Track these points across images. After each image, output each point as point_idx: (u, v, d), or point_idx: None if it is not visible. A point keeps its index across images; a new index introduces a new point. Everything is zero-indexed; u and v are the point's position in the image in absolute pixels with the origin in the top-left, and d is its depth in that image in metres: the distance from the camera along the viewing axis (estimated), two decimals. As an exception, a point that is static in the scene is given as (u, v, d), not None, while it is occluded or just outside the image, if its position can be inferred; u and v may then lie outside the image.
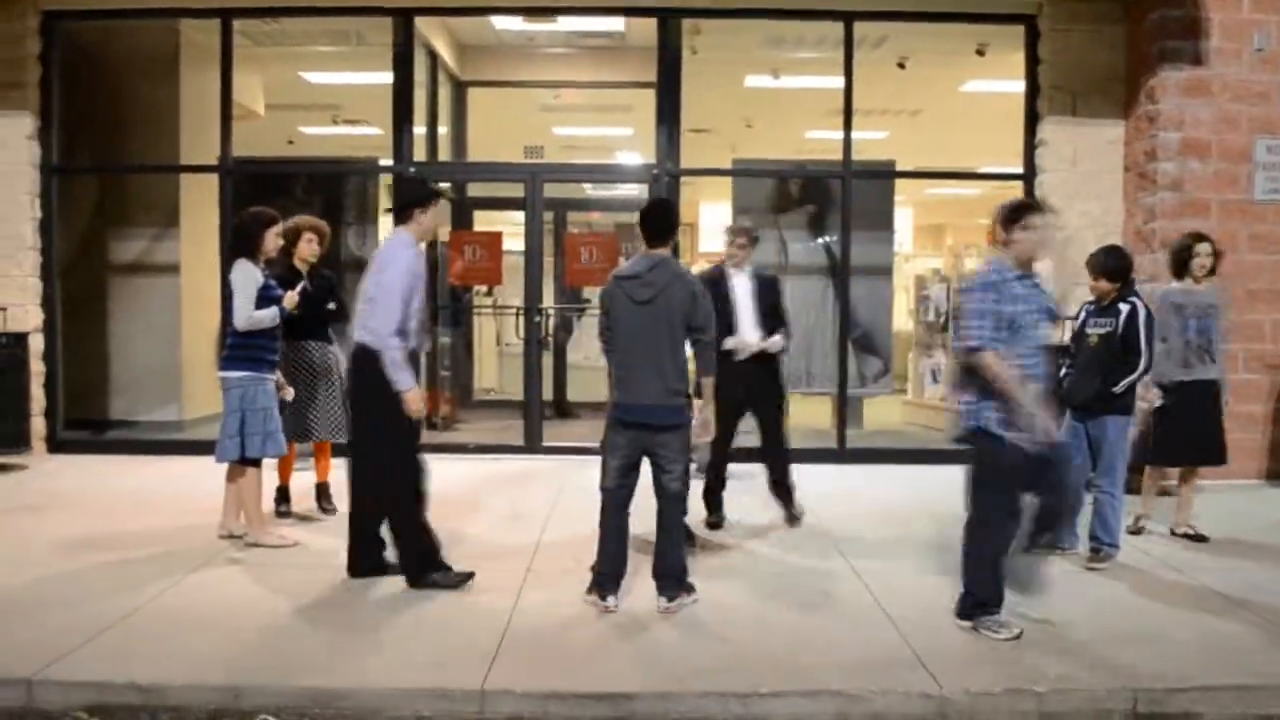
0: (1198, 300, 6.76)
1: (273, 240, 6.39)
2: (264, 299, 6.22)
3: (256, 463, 6.32)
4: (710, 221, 18.13)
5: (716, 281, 6.71)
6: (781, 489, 7.08)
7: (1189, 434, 6.75)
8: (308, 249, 6.96)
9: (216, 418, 9.18)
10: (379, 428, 5.55)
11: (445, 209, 6.23)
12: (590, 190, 15.36)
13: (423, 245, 5.88)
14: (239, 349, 6.26)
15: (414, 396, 5.48)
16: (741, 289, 6.89)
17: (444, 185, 11.64)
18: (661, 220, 5.49)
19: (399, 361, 5.42)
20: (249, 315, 6.15)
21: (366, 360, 5.49)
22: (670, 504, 5.37)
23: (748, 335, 6.79)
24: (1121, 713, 4.41)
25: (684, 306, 5.28)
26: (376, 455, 5.62)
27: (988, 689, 4.43)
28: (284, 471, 7.09)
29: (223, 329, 8.85)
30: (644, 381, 5.27)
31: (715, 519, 7.03)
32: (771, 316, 6.93)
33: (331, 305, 7.01)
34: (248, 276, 6.20)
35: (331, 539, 6.40)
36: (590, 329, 12.79)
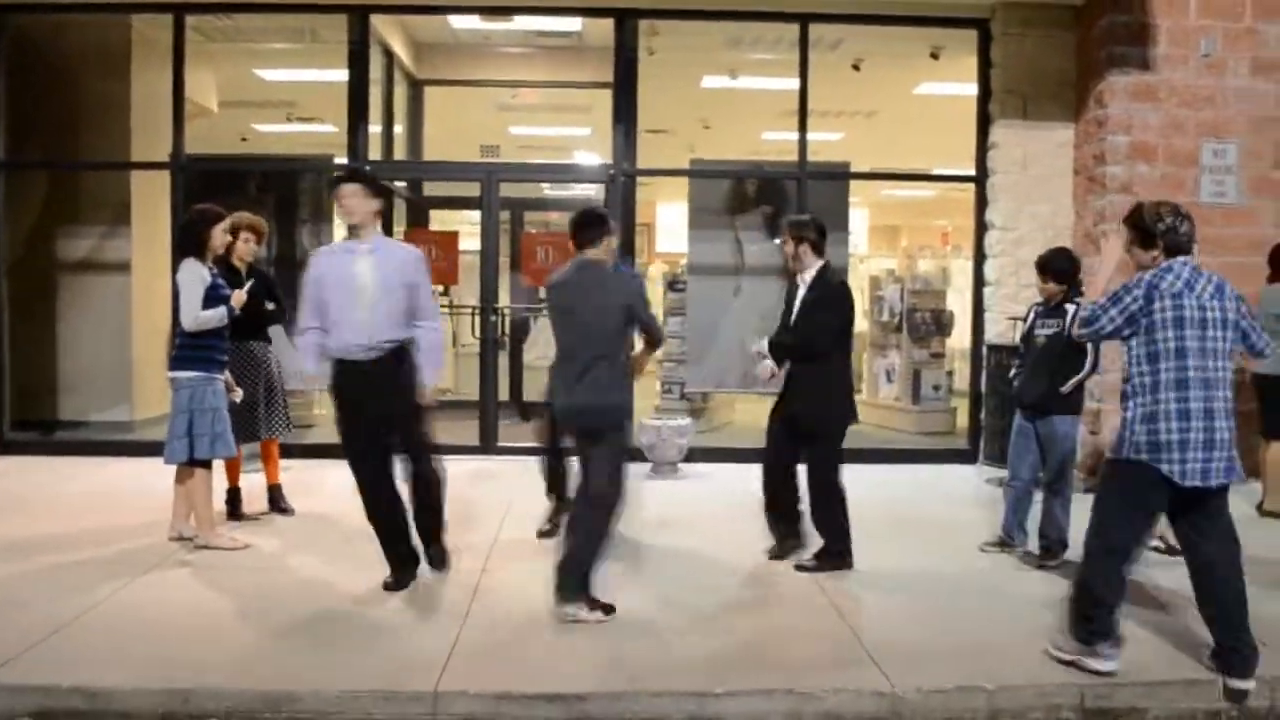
0: None
1: (220, 238, 6.33)
2: (212, 298, 6.15)
3: (206, 464, 6.27)
4: (667, 222, 18.20)
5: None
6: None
7: None
8: (245, 248, 6.91)
9: (167, 418, 9.18)
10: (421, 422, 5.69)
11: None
12: (547, 190, 15.34)
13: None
14: (188, 349, 6.19)
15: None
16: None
17: (400, 184, 11.60)
18: (585, 225, 5.40)
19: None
20: (196, 315, 6.08)
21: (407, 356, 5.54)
22: (590, 507, 5.23)
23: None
24: (1070, 707, 4.47)
25: (615, 310, 5.23)
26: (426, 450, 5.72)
27: (939, 686, 4.48)
28: (232, 474, 7.02)
29: (173, 329, 8.79)
30: (569, 386, 5.24)
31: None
32: None
33: (270, 305, 6.94)
34: (195, 275, 6.13)
35: (280, 541, 6.37)
36: (547, 329, 12.81)
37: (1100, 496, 4.71)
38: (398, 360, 5.49)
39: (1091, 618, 4.57)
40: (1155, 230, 4.60)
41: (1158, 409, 4.43)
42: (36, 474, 8.48)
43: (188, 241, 6.29)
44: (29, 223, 10.14)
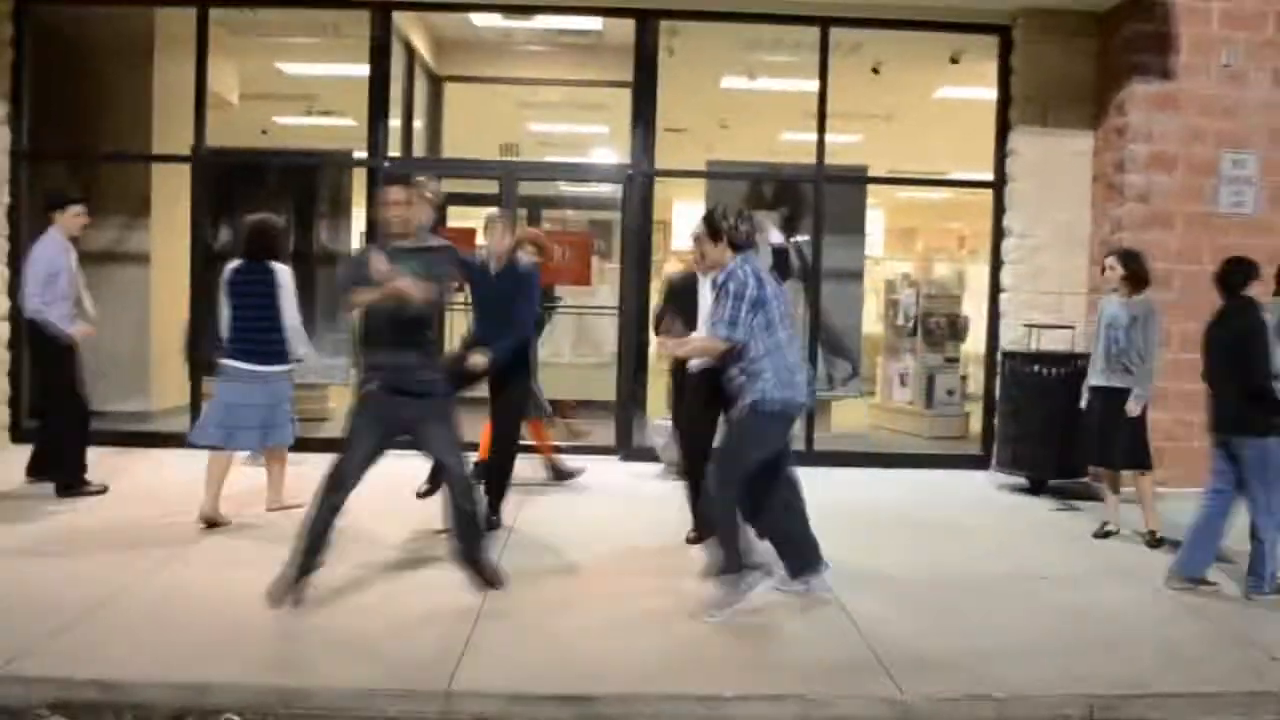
0: (1111, 313, 7.10)
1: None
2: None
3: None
4: (684, 220, 18.18)
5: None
6: None
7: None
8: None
9: (186, 409, 9.25)
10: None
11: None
12: (564, 188, 15.35)
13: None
14: (280, 344, 6.81)
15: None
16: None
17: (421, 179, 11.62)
18: None
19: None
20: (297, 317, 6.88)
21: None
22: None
23: None
24: (1079, 718, 4.48)
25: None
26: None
27: (948, 695, 4.50)
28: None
29: (195, 320, 8.86)
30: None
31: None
32: None
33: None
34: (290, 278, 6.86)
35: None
36: (562, 326, 12.85)
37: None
38: None
39: None
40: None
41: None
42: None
43: (276, 245, 6.98)
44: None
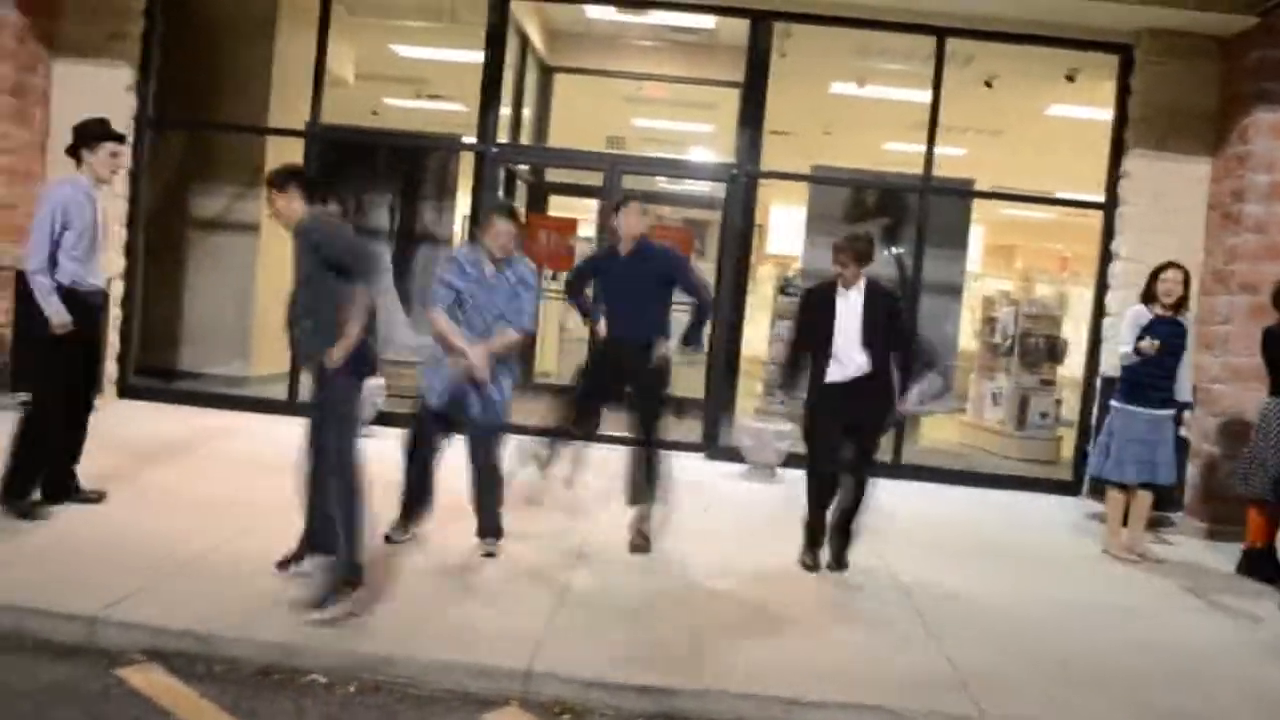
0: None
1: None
2: None
3: None
4: (779, 224, 18.15)
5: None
6: None
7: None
8: None
9: (283, 376, 9.47)
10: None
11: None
12: (664, 184, 15.41)
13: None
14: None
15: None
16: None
17: (522, 168, 11.76)
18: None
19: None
20: None
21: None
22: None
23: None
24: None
25: None
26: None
27: (1027, 716, 4.44)
28: None
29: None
30: None
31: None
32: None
33: None
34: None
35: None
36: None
37: None
38: None
39: None
40: None
41: None
42: (158, 419, 8.79)
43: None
44: (167, 179, 10.52)
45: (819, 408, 6.19)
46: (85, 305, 5.93)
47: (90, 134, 5.98)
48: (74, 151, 5.97)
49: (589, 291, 6.81)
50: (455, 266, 5.89)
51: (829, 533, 6.28)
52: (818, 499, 6.24)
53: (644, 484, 6.41)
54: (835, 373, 6.11)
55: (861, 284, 6.13)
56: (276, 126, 10.25)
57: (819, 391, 6.18)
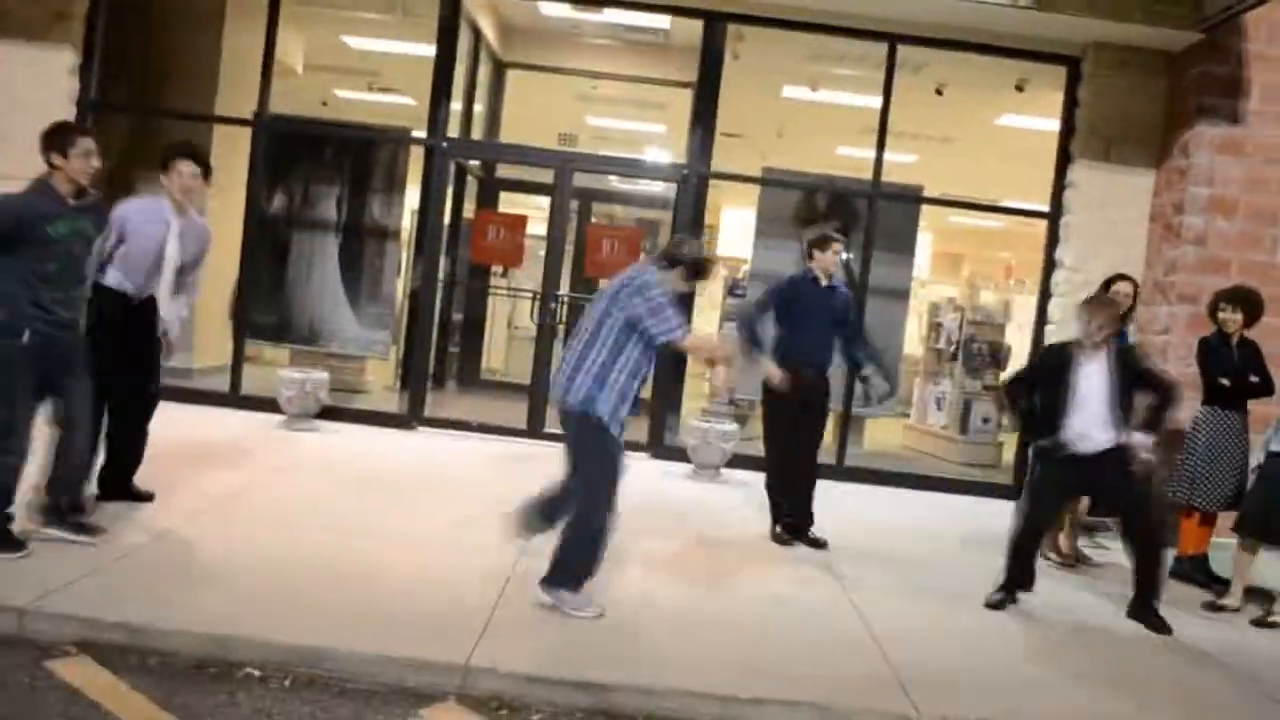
0: None
1: None
2: None
3: None
4: (731, 225, 18.19)
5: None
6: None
7: None
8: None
9: (225, 369, 9.34)
10: None
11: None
12: (616, 183, 15.38)
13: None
14: None
15: None
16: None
17: (473, 163, 11.69)
18: None
19: None
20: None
21: None
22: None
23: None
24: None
25: None
26: None
27: (963, 717, 4.47)
28: None
29: (243, 283, 8.90)
30: None
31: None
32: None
33: None
34: None
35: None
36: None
37: None
38: None
39: None
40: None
41: None
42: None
43: None
44: (110, 165, 10.26)
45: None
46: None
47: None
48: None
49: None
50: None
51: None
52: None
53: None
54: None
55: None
56: (224, 115, 10.10)
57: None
